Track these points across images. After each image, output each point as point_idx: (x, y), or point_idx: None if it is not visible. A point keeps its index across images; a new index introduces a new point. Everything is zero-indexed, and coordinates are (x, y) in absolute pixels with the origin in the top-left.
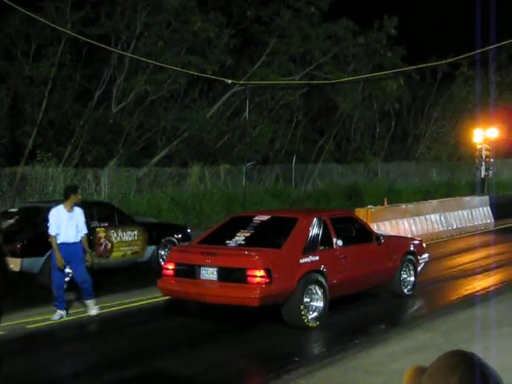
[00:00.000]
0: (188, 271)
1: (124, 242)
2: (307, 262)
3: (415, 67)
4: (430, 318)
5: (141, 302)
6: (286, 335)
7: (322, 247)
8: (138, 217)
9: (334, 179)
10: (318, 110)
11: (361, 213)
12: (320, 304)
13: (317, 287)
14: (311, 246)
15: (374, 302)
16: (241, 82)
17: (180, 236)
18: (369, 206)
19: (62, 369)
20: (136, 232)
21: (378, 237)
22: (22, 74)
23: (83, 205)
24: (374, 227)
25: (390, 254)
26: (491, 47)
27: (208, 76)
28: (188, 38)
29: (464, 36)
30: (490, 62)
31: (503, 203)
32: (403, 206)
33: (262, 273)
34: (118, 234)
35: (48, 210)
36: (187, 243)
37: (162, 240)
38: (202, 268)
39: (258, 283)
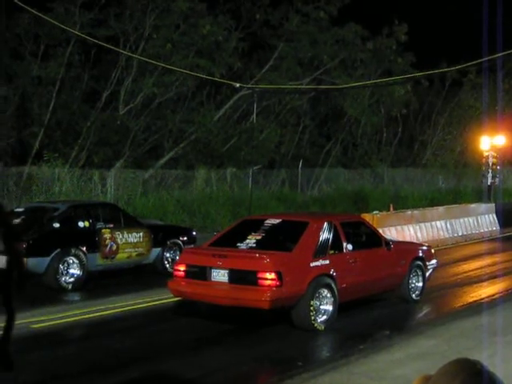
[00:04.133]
0: (199, 273)
1: (129, 243)
2: (317, 266)
3: (423, 73)
4: (434, 324)
5: (145, 304)
6: (291, 339)
7: (332, 251)
8: (143, 219)
9: (341, 184)
10: (325, 114)
11: (366, 218)
12: (329, 308)
13: (326, 291)
14: (321, 250)
15: (379, 307)
16: (248, 86)
17: (185, 238)
18: (374, 212)
19: (65, 369)
20: (141, 234)
21: (387, 242)
22: (30, 74)
23: (89, 206)
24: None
25: (399, 259)
26: (498, 55)
27: (216, 79)
28: (196, 40)
29: (473, 43)
30: (497, 69)
31: (509, 211)
32: (409, 212)
33: (273, 275)
34: (123, 236)
35: (54, 210)
36: (192, 246)
37: (168, 242)
38: (213, 270)
39: (269, 286)
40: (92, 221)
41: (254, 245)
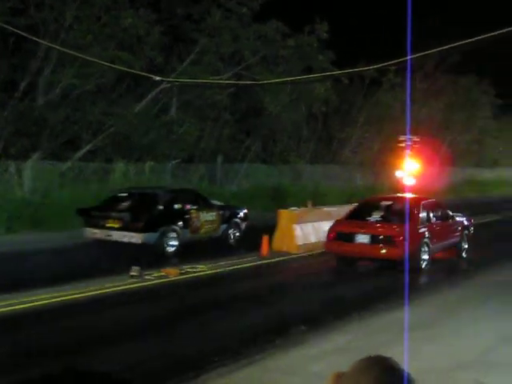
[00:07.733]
0: (347, 236)
1: (207, 221)
2: (422, 232)
3: (344, 72)
4: (350, 320)
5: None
6: (207, 335)
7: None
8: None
9: (260, 180)
10: (246, 110)
11: (284, 214)
12: (427, 257)
13: (425, 246)
14: (422, 222)
15: (295, 301)
16: (169, 79)
17: (241, 216)
18: (292, 208)
19: (45, 348)
20: (215, 213)
21: (452, 216)
22: None
23: (179, 191)
24: (298, 229)
25: (456, 227)
26: (411, 56)
27: (136, 72)
28: (118, 33)
29: (393, 43)
30: (410, 70)
31: None
32: (325, 208)
33: (401, 238)
34: (203, 215)
35: (154, 195)
36: (245, 223)
37: (232, 220)
38: (357, 235)
39: (400, 245)
40: (183, 203)
41: (380, 218)
